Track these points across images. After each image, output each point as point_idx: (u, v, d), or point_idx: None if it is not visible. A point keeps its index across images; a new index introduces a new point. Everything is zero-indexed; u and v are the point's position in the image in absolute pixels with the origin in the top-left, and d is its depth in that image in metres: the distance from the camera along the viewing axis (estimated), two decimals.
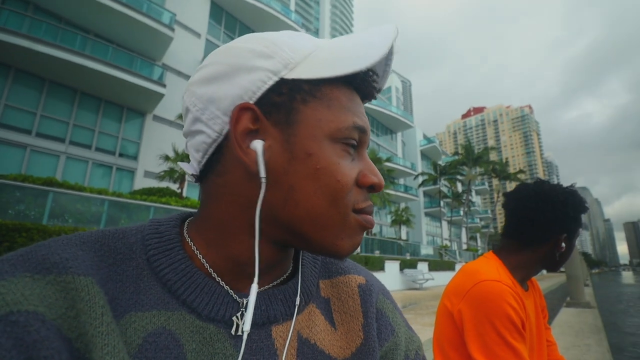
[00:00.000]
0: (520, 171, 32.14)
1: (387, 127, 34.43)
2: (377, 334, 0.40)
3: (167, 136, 14.33)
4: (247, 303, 0.33)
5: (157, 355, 0.29)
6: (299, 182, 0.32)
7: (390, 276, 15.45)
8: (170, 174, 12.17)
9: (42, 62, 10.68)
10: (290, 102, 0.32)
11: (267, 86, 0.32)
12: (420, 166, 37.67)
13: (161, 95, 13.12)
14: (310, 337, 0.36)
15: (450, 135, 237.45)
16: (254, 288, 0.32)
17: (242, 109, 0.32)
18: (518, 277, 0.97)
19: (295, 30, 19.55)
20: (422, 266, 18.67)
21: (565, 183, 1.01)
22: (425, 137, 41.41)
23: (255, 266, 0.32)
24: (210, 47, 17.57)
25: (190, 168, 0.37)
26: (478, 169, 33.26)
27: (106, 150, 13.25)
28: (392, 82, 43.09)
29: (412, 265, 17.77)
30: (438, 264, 21.05)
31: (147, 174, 13.75)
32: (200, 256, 0.34)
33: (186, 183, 12.97)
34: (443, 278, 18.57)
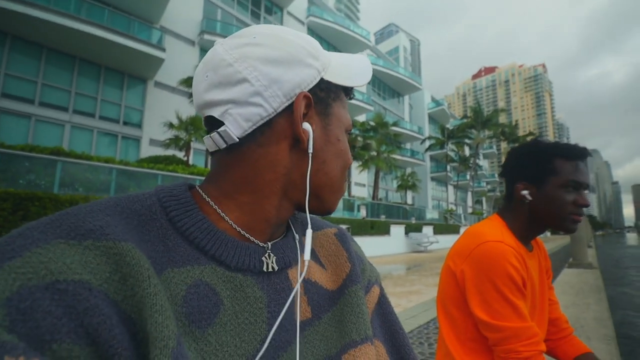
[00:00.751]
0: (530, 133, 31.56)
1: (395, 89, 33.51)
2: (356, 262, 0.51)
3: (170, 103, 14.17)
4: (271, 245, 0.42)
5: (200, 304, 0.33)
6: (329, 158, 0.42)
7: (395, 240, 15.77)
8: (175, 142, 12.16)
9: (37, 27, 10.38)
10: (327, 98, 0.43)
11: (316, 81, 0.41)
12: (427, 130, 37.00)
13: (161, 60, 12.79)
14: (310, 276, 0.45)
15: (459, 97, 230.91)
16: (309, 232, 0.42)
17: (304, 96, 0.39)
18: (520, 237, 0.97)
19: None
20: (427, 230, 18.96)
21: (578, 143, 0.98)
22: (433, 99, 40.28)
23: (307, 216, 0.42)
24: (208, 6, 16.81)
25: (226, 134, 0.38)
26: (487, 132, 32.63)
27: (110, 118, 13.20)
28: (400, 41, 41.19)
29: (418, 229, 18.05)
30: (443, 228, 21.34)
31: (153, 142, 13.77)
32: (227, 218, 0.39)
33: (192, 151, 12.99)
34: (448, 241, 18.91)
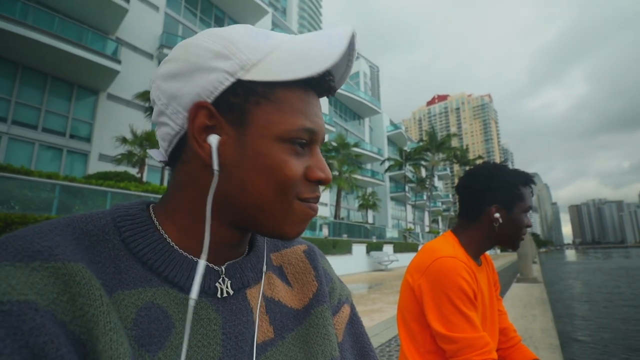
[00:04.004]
0: (479, 157, 33.98)
1: (355, 112, 34.65)
2: (325, 280, 0.50)
3: (123, 116, 13.46)
4: (225, 269, 0.39)
5: (151, 327, 0.32)
6: (249, 175, 0.35)
7: (357, 258, 15.87)
8: (128, 157, 11.49)
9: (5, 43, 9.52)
10: (244, 103, 0.35)
11: (224, 87, 0.34)
12: (387, 151, 38.46)
13: (116, 72, 12.21)
14: (273, 295, 0.43)
15: (415, 121, 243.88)
16: (202, 264, 0.35)
17: (199, 106, 0.34)
18: (471, 253, 1.03)
19: (264, 9, 19.29)
20: (388, 248, 19.33)
21: (520, 168, 1.08)
22: (392, 123, 42.14)
23: (205, 245, 0.35)
24: (169, 21, 16.52)
25: (159, 155, 0.40)
26: (441, 155, 34.57)
27: (55, 131, 12.23)
28: (360, 67, 43.12)
29: (378, 247, 18.35)
30: (402, 246, 21.88)
31: (102, 157, 12.90)
32: (169, 240, 0.37)
33: (146, 167, 12.32)
34: (407, 259, 19.38)
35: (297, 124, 0.36)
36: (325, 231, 16.02)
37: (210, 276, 0.37)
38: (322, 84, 0.38)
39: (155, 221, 0.38)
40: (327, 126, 24.37)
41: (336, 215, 21.83)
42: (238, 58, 0.34)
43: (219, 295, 0.37)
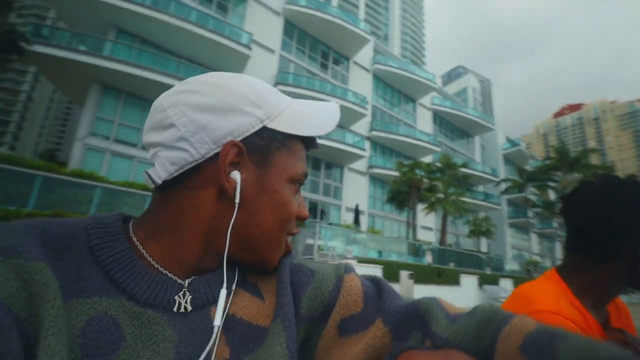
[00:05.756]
0: (633, 175, 27.11)
1: (463, 130, 32.23)
2: (295, 289, 0.44)
3: None
4: (188, 283, 0.39)
5: (99, 337, 0.31)
6: (262, 209, 0.40)
7: (466, 291, 14.30)
8: None
9: (141, 83, 12.53)
10: (268, 147, 0.41)
11: (254, 130, 0.40)
12: (503, 172, 34.25)
13: None
14: (236, 312, 0.40)
15: (539, 137, 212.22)
16: (223, 294, 0.37)
17: (233, 145, 0.38)
18: (588, 303, 0.74)
19: (365, 39, 20.15)
20: (505, 283, 16.86)
21: None
22: (508, 140, 37.62)
23: (224, 277, 0.38)
24: (283, 62, 18.67)
25: (154, 174, 0.39)
26: (575, 175, 28.99)
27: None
28: (469, 82, 40.35)
29: (494, 281, 16.17)
30: (525, 282, 18.77)
31: None
32: (149, 258, 0.38)
33: None
34: None
35: (302, 169, 0.44)
36: (429, 258, 15.03)
37: (169, 289, 0.37)
38: (312, 142, 0.48)
39: (132, 235, 0.39)
40: (430, 146, 23.80)
41: (442, 241, 20.26)
42: (267, 109, 0.41)
43: (174, 309, 0.36)
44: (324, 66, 21.18)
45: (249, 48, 15.06)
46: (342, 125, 20.30)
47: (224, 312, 0.38)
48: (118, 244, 0.37)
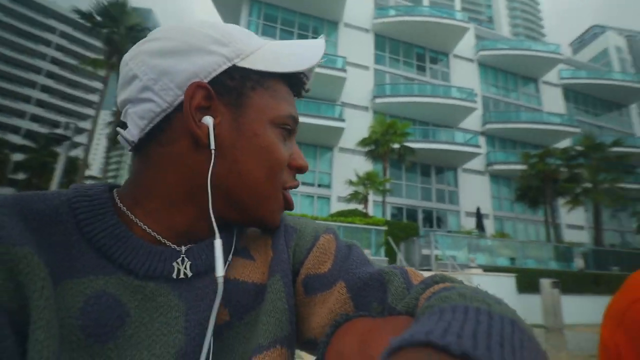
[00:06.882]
0: None
1: (611, 100, 26.08)
2: (284, 243, 0.44)
3: (350, 163, 16.33)
4: (186, 250, 0.37)
5: (100, 316, 0.30)
6: (243, 156, 0.37)
7: None
8: (355, 196, 13.82)
9: None
10: (241, 87, 0.38)
11: (221, 69, 0.36)
12: None
13: (342, 130, 15.23)
14: (229, 275, 0.39)
15: None
16: (218, 244, 0.36)
17: (198, 86, 0.35)
18: None
19: (463, 28, 19.00)
20: None
21: None
22: None
23: (214, 224, 0.36)
24: (378, 75, 19.01)
25: (127, 135, 0.37)
26: None
27: (308, 183, 16.37)
28: (608, 42, 32.49)
29: None
30: None
31: (339, 199, 16.00)
32: (140, 223, 0.36)
33: (370, 202, 14.23)
34: None
35: (287, 111, 0.40)
36: (580, 262, 12.61)
37: (168, 258, 0.36)
38: (299, 84, 0.43)
39: (120, 205, 0.37)
40: (565, 128, 20.32)
41: (597, 241, 16.62)
42: (235, 46, 0.37)
43: (174, 275, 0.35)
44: (421, 68, 20.53)
45: (344, 70, 15.90)
46: (450, 125, 19.16)
47: (225, 264, 0.37)
48: (107, 218, 0.34)
